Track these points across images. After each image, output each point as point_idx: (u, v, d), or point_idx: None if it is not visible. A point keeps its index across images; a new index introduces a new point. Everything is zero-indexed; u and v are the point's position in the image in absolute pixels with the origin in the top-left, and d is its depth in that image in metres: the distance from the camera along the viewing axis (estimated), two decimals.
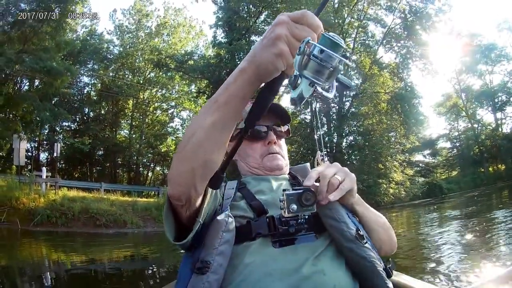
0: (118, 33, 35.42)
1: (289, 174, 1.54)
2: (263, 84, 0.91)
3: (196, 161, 0.98)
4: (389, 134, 27.40)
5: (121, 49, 34.81)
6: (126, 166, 35.16)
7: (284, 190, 1.12)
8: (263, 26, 27.85)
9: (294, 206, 1.09)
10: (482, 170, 42.75)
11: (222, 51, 26.62)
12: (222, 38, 28.48)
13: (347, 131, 29.40)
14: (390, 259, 1.24)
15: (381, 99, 26.86)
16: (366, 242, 1.13)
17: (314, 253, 1.11)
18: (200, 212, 1.10)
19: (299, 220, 1.14)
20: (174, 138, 37.12)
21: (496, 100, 42.27)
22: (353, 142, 29.19)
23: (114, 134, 33.81)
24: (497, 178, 36.33)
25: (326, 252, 1.13)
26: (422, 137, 38.29)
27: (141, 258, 10.47)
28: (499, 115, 42.67)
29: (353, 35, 29.87)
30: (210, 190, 1.13)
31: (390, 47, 30.27)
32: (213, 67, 25.95)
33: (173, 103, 37.37)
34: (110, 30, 36.92)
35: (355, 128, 29.30)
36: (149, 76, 35.03)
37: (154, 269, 8.73)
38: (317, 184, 1.17)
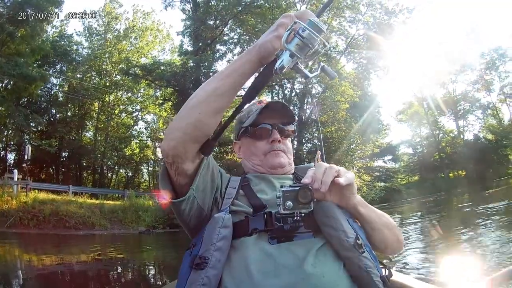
0: (87, 35, 35.74)
1: (293, 174, 1.56)
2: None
3: (189, 119, 1.11)
4: (348, 142, 28.22)
5: (89, 51, 35.09)
6: (91, 168, 35.43)
7: (281, 186, 1.13)
8: (227, 38, 29.18)
9: (290, 203, 1.10)
10: (443, 175, 44.87)
11: (188, 60, 27.16)
12: (188, 46, 29.32)
13: (307, 138, 30.52)
14: (387, 268, 1.22)
15: (340, 108, 27.92)
16: (364, 251, 1.13)
17: (310, 252, 1.12)
18: (194, 180, 1.19)
19: (295, 218, 1.14)
20: (138, 141, 37.91)
21: (458, 108, 44.51)
22: (312, 149, 30.03)
23: (80, 136, 33.98)
24: (457, 184, 37.54)
25: (325, 253, 1.14)
26: (382, 143, 39.07)
27: (118, 259, 10.87)
28: (461, 122, 45.06)
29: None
30: (206, 162, 1.24)
31: (352, 57, 31.80)
32: (179, 76, 26.55)
33: (138, 107, 37.82)
34: (79, 32, 37.11)
35: (315, 135, 30.14)
36: (115, 78, 35.22)
37: (120, 270, 9.16)
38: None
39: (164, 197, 1.21)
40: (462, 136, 45.01)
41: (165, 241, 17.03)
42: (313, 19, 0.96)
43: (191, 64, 26.76)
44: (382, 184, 39.84)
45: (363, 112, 29.24)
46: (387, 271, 1.19)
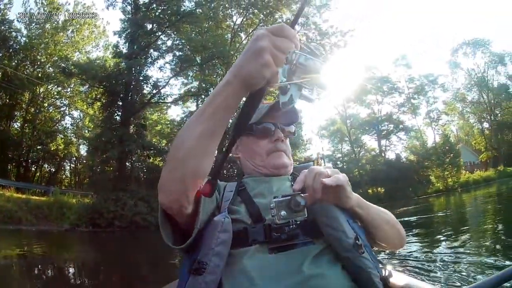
0: (27, 22, 34.75)
1: (291, 174, 1.57)
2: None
3: (186, 169, 1.07)
4: None
5: (27, 40, 34.29)
6: (16, 161, 34.77)
7: (274, 197, 1.17)
8: (160, 42, 29.60)
9: (284, 213, 1.13)
10: (361, 191, 47.77)
11: (121, 63, 27.27)
12: (124, 48, 29.02)
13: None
14: (386, 269, 1.22)
15: None
16: (363, 252, 1.15)
17: (309, 257, 1.15)
18: (197, 220, 1.16)
19: (291, 226, 1.19)
20: (62, 137, 37.74)
21: (382, 128, 47.14)
22: (231, 157, 30.52)
23: (8, 127, 33.33)
24: (375, 200, 40.01)
25: (324, 255, 1.17)
26: (301, 157, 40.99)
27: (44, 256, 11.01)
28: (383, 142, 47.53)
29: None
30: (202, 198, 1.18)
31: None
32: (111, 78, 26.63)
33: (66, 102, 37.68)
34: (20, 18, 35.49)
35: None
36: (48, 71, 34.79)
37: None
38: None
39: (166, 241, 1.18)
40: (383, 155, 47.35)
41: (89, 241, 17.35)
42: (309, 44, 0.97)
43: (124, 66, 26.83)
44: None
45: None
46: (387, 271, 1.21)
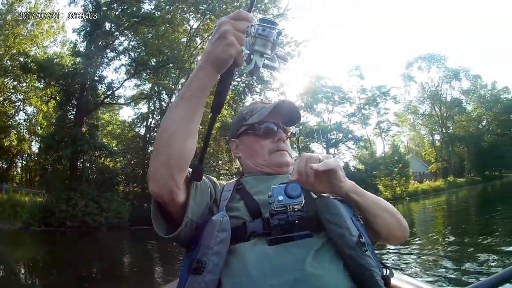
0: None
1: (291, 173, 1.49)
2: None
3: (170, 152, 1.13)
4: (216, 158, 30.20)
5: None
6: None
7: (272, 185, 1.22)
8: (117, 43, 29.72)
9: (281, 197, 1.18)
10: None
11: (79, 63, 27.42)
12: (81, 47, 29.08)
13: None
14: (388, 268, 1.24)
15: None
16: (366, 250, 1.16)
17: (310, 252, 1.16)
18: (187, 208, 1.22)
19: (289, 212, 1.20)
20: (16, 132, 37.31)
21: (331, 137, 48.39)
22: None
23: None
24: None
25: (325, 253, 1.18)
26: None
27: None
28: (332, 150, 48.37)
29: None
30: (194, 184, 1.27)
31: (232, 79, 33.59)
32: (68, 77, 26.67)
33: (21, 97, 37.12)
34: None
35: None
36: (6, 64, 33.98)
37: None
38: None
39: (158, 231, 1.24)
40: None
41: (41, 241, 17.70)
42: (264, 17, 1.05)
43: (81, 65, 26.90)
44: None
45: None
46: (388, 271, 1.22)
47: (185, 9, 31.25)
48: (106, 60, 29.56)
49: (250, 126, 1.60)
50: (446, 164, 56.04)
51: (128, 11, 28.52)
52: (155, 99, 32.27)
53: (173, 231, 1.23)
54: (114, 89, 29.17)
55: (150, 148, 30.68)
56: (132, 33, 29.57)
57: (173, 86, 30.25)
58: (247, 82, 33.01)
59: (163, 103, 31.84)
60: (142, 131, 33.17)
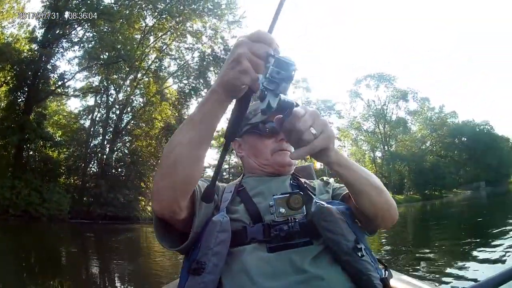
0: None
1: (292, 174, 1.60)
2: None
3: (176, 176, 1.09)
4: (156, 158, 30.13)
5: None
6: None
7: (273, 195, 1.22)
8: (75, 37, 29.63)
9: (283, 210, 1.18)
10: None
11: (35, 51, 27.26)
12: (40, 34, 28.48)
13: (119, 146, 32.21)
14: (386, 269, 1.24)
15: (155, 126, 30.72)
16: (363, 255, 1.16)
17: (309, 257, 1.17)
18: (193, 225, 1.21)
19: (290, 223, 1.21)
20: None
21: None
22: (122, 157, 31.89)
23: None
24: None
25: (324, 257, 1.19)
26: None
27: None
28: None
29: (150, 62, 32.96)
30: (198, 202, 1.23)
31: (179, 81, 34.51)
32: (23, 63, 26.47)
33: None
34: None
35: (127, 145, 32.00)
36: None
37: None
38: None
39: (162, 244, 1.23)
40: None
41: None
42: (280, 57, 0.95)
43: (36, 53, 26.88)
44: None
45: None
46: (387, 272, 1.23)
47: (143, 5, 31.49)
48: (61, 50, 29.58)
49: (254, 125, 1.58)
50: (386, 181, 55.64)
51: (88, 2, 28.52)
52: (102, 93, 31.85)
53: (176, 239, 1.26)
54: (66, 80, 29.47)
55: (94, 142, 31.35)
56: (89, 25, 29.43)
57: (121, 82, 30.83)
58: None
59: (110, 98, 31.81)
60: (87, 123, 32.92)
